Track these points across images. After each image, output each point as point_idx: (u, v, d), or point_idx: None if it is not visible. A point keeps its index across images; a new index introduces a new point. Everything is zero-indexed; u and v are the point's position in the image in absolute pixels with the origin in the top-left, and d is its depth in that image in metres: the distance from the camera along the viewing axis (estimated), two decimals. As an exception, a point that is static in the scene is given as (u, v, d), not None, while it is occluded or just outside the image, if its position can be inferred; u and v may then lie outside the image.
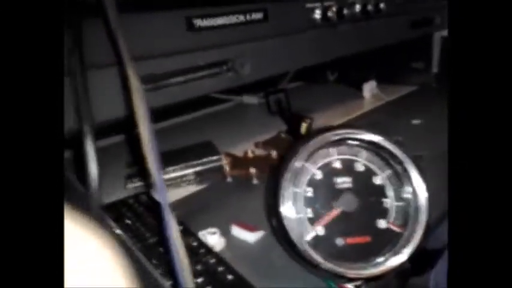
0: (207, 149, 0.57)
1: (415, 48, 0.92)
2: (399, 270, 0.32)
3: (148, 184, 0.50)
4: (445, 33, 0.89)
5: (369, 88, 0.89)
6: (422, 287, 0.91)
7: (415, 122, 0.68)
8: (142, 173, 0.51)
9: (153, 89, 0.39)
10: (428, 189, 0.33)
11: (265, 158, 0.55)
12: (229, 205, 0.47)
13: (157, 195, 0.26)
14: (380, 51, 0.72)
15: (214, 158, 0.54)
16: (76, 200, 0.33)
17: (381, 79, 0.91)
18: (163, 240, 0.36)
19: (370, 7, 0.61)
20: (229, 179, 0.52)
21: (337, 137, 0.32)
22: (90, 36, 0.32)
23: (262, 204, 0.46)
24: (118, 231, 0.31)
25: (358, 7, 0.61)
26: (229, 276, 0.32)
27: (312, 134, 0.33)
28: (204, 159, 0.53)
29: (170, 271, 0.32)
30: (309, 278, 0.33)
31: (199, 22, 0.42)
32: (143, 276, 0.31)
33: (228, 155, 0.55)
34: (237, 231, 0.41)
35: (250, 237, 0.40)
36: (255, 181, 0.51)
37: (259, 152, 0.58)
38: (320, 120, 0.69)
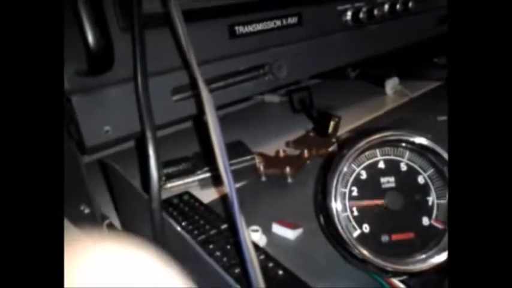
0: (239, 148, 0.60)
1: (437, 43, 0.95)
2: (442, 267, 0.35)
3: (188, 183, 0.53)
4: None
5: (392, 85, 0.91)
6: None
7: (441, 118, 0.71)
8: (180, 173, 0.54)
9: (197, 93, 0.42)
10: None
11: (297, 157, 0.58)
12: (266, 203, 0.50)
13: (228, 192, 0.29)
14: (402, 47, 0.74)
15: (248, 157, 0.57)
16: (139, 203, 0.37)
17: (402, 75, 0.93)
18: (222, 236, 0.39)
19: (398, 6, 0.64)
20: (263, 178, 0.55)
21: (382, 140, 0.35)
22: (155, 45, 0.35)
23: (298, 202, 0.49)
24: (178, 228, 0.34)
25: (387, 7, 0.63)
26: (280, 272, 0.35)
27: (357, 136, 0.36)
28: (238, 159, 0.56)
29: (227, 266, 0.36)
30: (352, 273, 0.37)
31: (240, 29, 0.44)
32: (204, 271, 0.34)
33: (261, 154, 0.58)
34: (278, 229, 0.44)
35: (291, 234, 0.43)
36: (289, 180, 0.54)
37: (291, 150, 0.61)
38: (345, 118, 0.72)
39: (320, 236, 0.40)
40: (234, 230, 0.30)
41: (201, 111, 0.33)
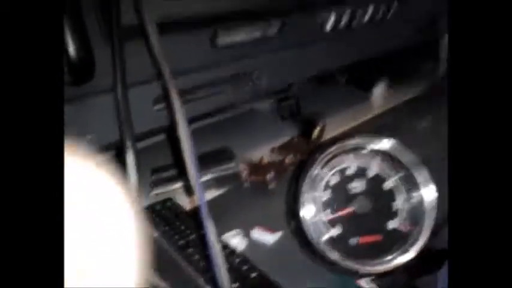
0: (224, 155, 0.62)
1: (424, 50, 0.97)
2: (407, 267, 0.37)
3: (172, 190, 0.55)
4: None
5: (379, 90, 0.94)
6: (430, 285, 0.97)
7: (425, 124, 0.73)
8: (166, 180, 0.56)
9: (182, 102, 0.44)
10: (437, 191, 0.37)
11: (280, 163, 0.60)
12: (247, 209, 0.52)
13: (197, 198, 0.31)
14: (389, 54, 0.76)
15: (232, 164, 0.59)
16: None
17: (390, 80, 0.96)
18: (201, 241, 0.41)
19: (378, 16, 0.66)
20: (246, 184, 0.57)
21: (350, 146, 0.37)
22: (132, 57, 0.37)
23: (278, 208, 0.50)
24: (155, 234, 0.36)
25: (367, 17, 0.65)
26: (253, 274, 0.37)
27: (327, 143, 0.38)
28: (223, 166, 0.58)
29: (204, 270, 0.37)
30: (324, 276, 0.38)
31: (221, 40, 0.47)
32: (178, 275, 0.36)
33: (245, 161, 0.60)
34: (257, 234, 0.46)
35: (269, 238, 0.45)
36: (271, 186, 0.55)
37: (275, 156, 0.62)
38: (331, 123, 0.74)
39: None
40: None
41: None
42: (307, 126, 0.72)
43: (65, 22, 0.35)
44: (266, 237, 0.45)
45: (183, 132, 0.32)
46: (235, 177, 0.58)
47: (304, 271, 0.39)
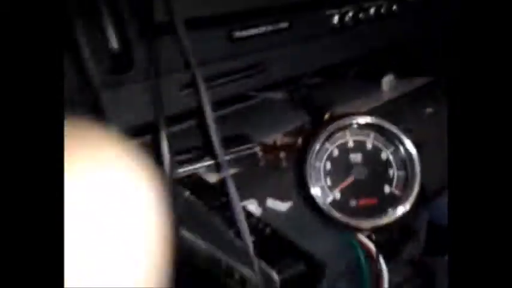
0: (243, 139, 0.69)
1: (430, 42, 1.02)
2: (401, 225, 0.43)
3: (197, 168, 0.62)
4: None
5: (387, 81, 0.99)
6: (440, 265, 1.02)
7: (428, 110, 0.78)
8: (192, 160, 0.63)
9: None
10: (422, 161, 0.43)
11: (291, 144, 0.66)
12: (263, 184, 0.58)
13: (222, 172, 0.38)
14: (396, 47, 0.82)
15: (250, 146, 0.66)
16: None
17: (398, 72, 1.01)
18: (225, 205, 0.48)
19: (383, 10, 0.72)
20: (261, 163, 0.64)
21: (348, 122, 0.44)
22: (164, 49, 0.44)
23: (290, 182, 0.57)
24: (187, 194, 0.43)
25: (372, 11, 0.71)
26: (268, 230, 0.44)
27: (329, 120, 0.45)
28: (242, 147, 0.65)
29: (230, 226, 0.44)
30: (330, 234, 0.45)
31: (237, 34, 0.53)
32: (214, 232, 0.43)
33: (261, 143, 0.67)
34: (271, 203, 0.53)
35: (282, 206, 0.52)
36: (283, 164, 0.62)
37: (287, 140, 0.69)
38: (340, 111, 0.80)
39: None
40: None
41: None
42: (317, 113, 0.78)
43: (107, 21, 0.42)
44: (279, 205, 0.52)
45: (208, 113, 0.39)
46: (252, 157, 0.64)
47: (312, 230, 0.46)
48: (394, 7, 0.73)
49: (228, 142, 0.69)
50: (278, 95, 1.03)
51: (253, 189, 0.56)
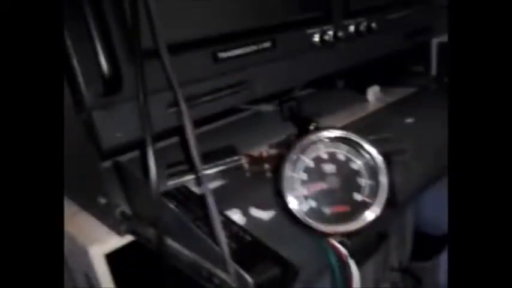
0: (229, 150, 0.72)
1: (415, 53, 1.06)
2: (371, 230, 0.46)
3: (185, 181, 0.66)
4: (441, 39, 1.02)
5: (373, 92, 1.03)
6: (427, 270, 1.06)
7: (408, 120, 0.82)
8: (181, 173, 0.66)
9: (190, 106, 0.55)
10: (389, 171, 0.47)
11: (276, 156, 0.70)
12: (248, 194, 0.62)
13: (202, 186, 0.42)
14: (382, 58, 0.86)
15: (236, 158, 0.69)
16: (140, 190, 0.49)
17: (384, 83, 1.05)
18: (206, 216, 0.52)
19: (362, 28, 0.76)
20: (247, 174, 0.67)
21: (319, 136, 0.47)
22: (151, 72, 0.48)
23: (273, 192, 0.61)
24: (172, 206, 0.46)
25: (351, 28, 0.75)
26: (247, 237, 0.47)
27: (305, 134, 0.48)
28: (228, 159, 0.69)
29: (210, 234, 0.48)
30: (305, 239, 0.48)
31: (221, 54, 0.57)
32: (195, 240, 0.46)
33: (247, 155, 0.71)
34: (254, 211, 0.56)
35: (264, 215, 0.55)
36: (268, 174, 0.66)
37: (273, 151, 0.73)
38: (327, 122, 0.84)
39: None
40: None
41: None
42: (303, 125, 0.81)
43: (99, 44, 0.46)
44: (261, 214, 0.55)
45: (189, 129, 0.42)
46: (238, 168, 0.68)
47: (290, 237, 0.49)
48: (373, 24, 0.77)
49: (215, 154, 0.72)
50: (269, 107, 1.08)
51: (238, 199, 0.60)
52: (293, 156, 0.48)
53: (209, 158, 0.72)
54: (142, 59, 0.47)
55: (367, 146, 0.48)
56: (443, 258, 1.04)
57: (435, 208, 0.94)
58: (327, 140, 0.49)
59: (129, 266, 0.57)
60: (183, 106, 0.42)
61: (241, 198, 0.60)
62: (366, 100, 1.02)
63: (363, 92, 1.05)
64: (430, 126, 0.77)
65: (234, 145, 0.75)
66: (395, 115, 0.86)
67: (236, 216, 0.55)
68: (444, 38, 1.02)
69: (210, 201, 0.41)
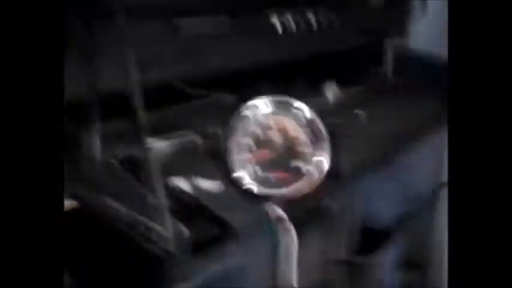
0: (182, 128, 0.72)
1: (372, 54, 1.10)
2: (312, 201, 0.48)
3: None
4: (396, 41, 1.07)
5: (330, 88, 1.06)
6: (373, 264, 1.09)
7: (359, 112, 0.85)
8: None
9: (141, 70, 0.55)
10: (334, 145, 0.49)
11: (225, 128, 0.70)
12: (197, 166, 0.62)
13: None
14: (341, 57, 0.88)
15: (189, 134, 0.70)
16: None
17: (342, 82, 1.08)
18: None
19: (322, 18, 0.78)
20: (200, 149, 0.68)
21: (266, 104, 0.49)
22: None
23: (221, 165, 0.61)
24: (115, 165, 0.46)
25: (313, 18, 0.77)
26: (190, 200, 0.47)
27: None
28: (182, 134, 0.69)
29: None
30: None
31: (178, 22, 0.58)
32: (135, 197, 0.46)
33: (201, 132, 0.71)
34: (201, 181, 0.56)
35: (211, 185, 0.55)
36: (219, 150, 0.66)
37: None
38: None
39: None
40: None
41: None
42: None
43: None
44: (208, 184, 0.56)
45: (137, 97, 0.42)
46: (190, 144, 0.68)
47: (234, 204, 0.50)
48: (334, 17, 0.80)
49: (170, 128, 0.72)
50: (229, 97, 1.08)
51: (186, 170, 0.60)
52: (239, 124, 0.49)
53: (161, 131, 0.72)
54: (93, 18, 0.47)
55: (312, 116, 0.49)
56: (386, 253, 1.07)
57: (379, 203, 0.97)
58: (272, 108, 0.50)
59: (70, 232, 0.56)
60: (132, 68, 0.42)
61: (190, 170, 0.60)
62: (322, 95, 1.05)
63: (318, 88, 1.07)
64: (377, 118, 0.81)
65: (189, 123, 0.75)
66: (348, 108, 0.89)
67: (182, 184, 0.55)
68: (399, 41, 1.07)
69: (153, 164, 0.41)
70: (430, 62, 0.97)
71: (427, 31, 1.02)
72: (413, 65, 1.02)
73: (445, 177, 1.13)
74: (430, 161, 1.10)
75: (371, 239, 1.05)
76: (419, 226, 1.18)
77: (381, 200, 0.99)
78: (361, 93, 1.03)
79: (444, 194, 1.17)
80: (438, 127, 0.94)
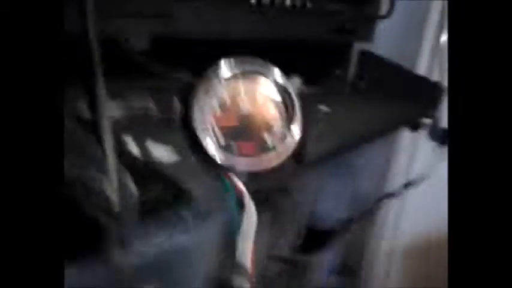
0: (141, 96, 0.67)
1: (338, 57, 1.10)
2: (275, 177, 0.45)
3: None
4: (362, 46, 1.08)
5: (293, 83, 1.04)
6: (314, 264, 1.07)
7: (323, 108, 0.84)
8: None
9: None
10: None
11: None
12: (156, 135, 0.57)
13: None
14: (305, 57, 0.87)
15: (146, 101, 0.64)
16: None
17: (306, 82, 1.07)
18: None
19: (298, 2, 0.76)
20: (156, 118, 0.62)
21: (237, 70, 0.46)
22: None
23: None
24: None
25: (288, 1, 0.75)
26: (143, 163, 0.43)
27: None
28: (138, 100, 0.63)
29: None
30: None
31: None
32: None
33: (158, 100, 0.66)
34: (153, 145, 0.52)
35: (163, 149, 0.51)
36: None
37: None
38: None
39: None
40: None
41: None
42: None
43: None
44: (160, 148, 0.51)
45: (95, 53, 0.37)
46: (148, 111, 0.63)
47: (194, 172, 0.46)
48: (309, 3, 0.78)
49: (128, 94, 0.66)
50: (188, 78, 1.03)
51: (142, 135, 0.55)
52: (206, 88, 0.45)
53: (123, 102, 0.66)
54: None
55: (285, 86, 0.46)
56: (327, 254, 1.07)
57: (327, 203, 0.97)
58: (243, 73, 0.47)
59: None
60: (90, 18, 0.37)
61: (146, 134, 0.55)
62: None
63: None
64: (338, 118, 0.81)
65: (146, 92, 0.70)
66: (312, 103, 0.88)
67: (134, 148, 0.50)
68: (365, 46, 1.08)
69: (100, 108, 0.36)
70: (392, 66, 0.98)
71: (392, 34, 1.03)
72: (376, 68, 1.04)
73: (391, 186, 1.16)
74: (379, 167, 1.12)
75: (314, 238, 1.04)
76: (359, 232, 1.19)
77: (329, 200, 0.99)
78: (323, 91, 1.02)
79: (387, 205, 1.19)
80: (390, 131, 0.95)
